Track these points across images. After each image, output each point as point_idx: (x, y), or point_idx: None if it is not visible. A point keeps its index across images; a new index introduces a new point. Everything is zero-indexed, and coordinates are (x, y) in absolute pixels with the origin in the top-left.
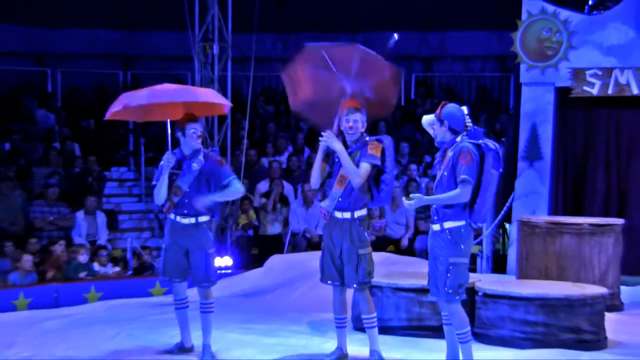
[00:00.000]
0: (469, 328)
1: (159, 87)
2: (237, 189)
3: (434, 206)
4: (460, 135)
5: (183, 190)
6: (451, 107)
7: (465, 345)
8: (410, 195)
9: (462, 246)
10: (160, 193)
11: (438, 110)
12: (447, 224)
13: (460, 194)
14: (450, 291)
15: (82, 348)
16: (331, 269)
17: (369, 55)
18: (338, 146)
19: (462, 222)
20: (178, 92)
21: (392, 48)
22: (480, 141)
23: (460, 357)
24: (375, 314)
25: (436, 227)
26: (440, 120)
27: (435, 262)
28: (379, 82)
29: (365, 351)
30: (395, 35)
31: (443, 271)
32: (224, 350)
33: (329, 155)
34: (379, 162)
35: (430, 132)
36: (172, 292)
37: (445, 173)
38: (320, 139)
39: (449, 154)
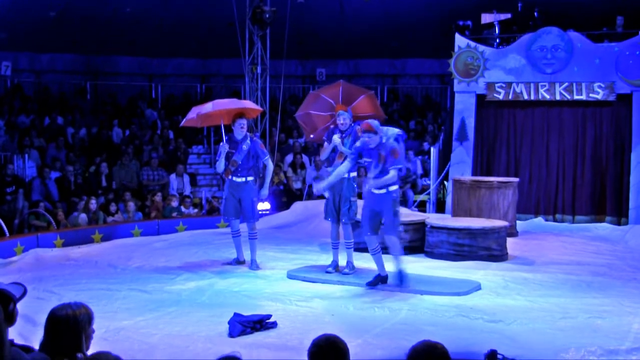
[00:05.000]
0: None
1: (218, 100)
2: (270, 167)
3: (380, 179)
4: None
5: (238, 163)
6: (376, 122)
7: (400, 257)
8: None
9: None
10: (220, 165)
11: (369, 127)
12: (392, 188)
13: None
14: (399, 227)
15: (175, 260)
16: (332, 210)
17: (370, 99)
18: (343, 148)
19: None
20: (231, 102)
21: None
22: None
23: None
24: (353, 239)
25: (382, 191)
26: (375, 132)
27: (379, 212)
28: (364, 115)
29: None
30: None
31: (392, 217)
32: (264, 262)
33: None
34: None
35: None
36: (230, 226)
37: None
38: (332, 138)
39: (382, 152)
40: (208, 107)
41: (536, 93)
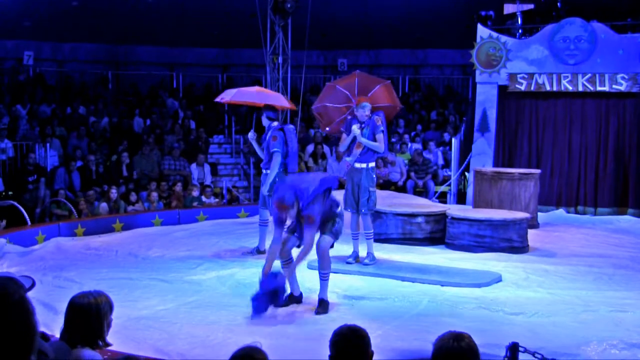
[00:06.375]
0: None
1: (244, 88)
2: (274, 163)
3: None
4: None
5: (263, 155)
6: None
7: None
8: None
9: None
10: (259, 154)
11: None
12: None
13: None
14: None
15: (196, 250)
16: (351, 200)
17: (386, 89)
18: (362, 139)
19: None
20: (257, 95)
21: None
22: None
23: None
24: (373, 230)
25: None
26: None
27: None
28: (381, 105)
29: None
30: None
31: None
32: None
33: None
34: (383, 128)
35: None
36: (259, 213)
37: None
38: (352, 129)
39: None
40: (232, 92)
41: (558, 84)
